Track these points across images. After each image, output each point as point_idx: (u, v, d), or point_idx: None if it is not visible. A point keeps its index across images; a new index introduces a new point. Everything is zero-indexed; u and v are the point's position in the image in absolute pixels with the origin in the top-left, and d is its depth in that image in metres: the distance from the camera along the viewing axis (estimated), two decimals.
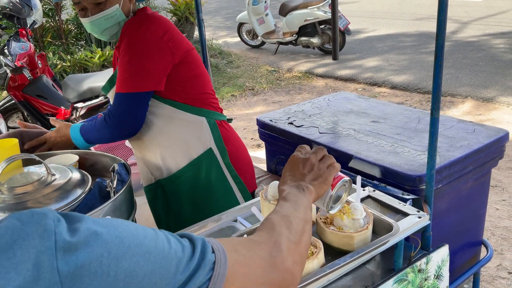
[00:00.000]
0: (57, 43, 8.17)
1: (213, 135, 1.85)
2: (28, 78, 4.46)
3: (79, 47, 8.17)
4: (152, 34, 1.66)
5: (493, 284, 2.79)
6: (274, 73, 7.78)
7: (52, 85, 4.80)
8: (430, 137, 1.57)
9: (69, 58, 7.41)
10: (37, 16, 4.81)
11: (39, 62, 4.73)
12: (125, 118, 1.70)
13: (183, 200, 1.92)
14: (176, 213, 1.95)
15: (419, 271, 1.60)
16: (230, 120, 1.97)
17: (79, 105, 4.29)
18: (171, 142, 1.84)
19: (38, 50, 6.91)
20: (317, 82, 7.19)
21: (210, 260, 0.68)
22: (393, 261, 1.55)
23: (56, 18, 8.11)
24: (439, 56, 1.49)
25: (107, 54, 7.52)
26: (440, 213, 1.89)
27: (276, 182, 1.37)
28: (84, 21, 1.73)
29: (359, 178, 1.45)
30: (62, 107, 4.55)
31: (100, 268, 0.56)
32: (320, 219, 1.37)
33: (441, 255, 1.66)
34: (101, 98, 4.22)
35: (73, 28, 8.61)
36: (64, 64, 7.31)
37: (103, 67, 7.50)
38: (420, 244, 1.66)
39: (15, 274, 0.52)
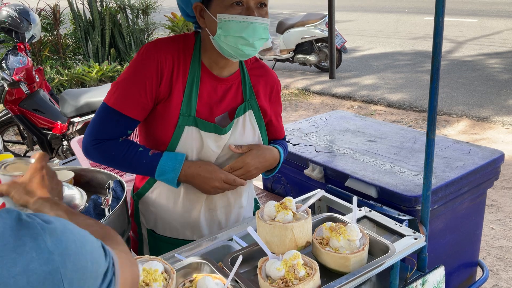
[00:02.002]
0: (54, 57, 8.20)
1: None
2: (25, 92, 4.46)
3: (77, 62, 8.21)
4: None
5: None
6: None
7: (49, 99, 4.80)
8: (426, 158, 1.57)
9: (67, 72, 7.43)
10: (35, 30, 4.83)
11: (36, 76, 4.74)
12: None
13: None
14: None
15: None
16: None
17: (76, 119, 4.29)
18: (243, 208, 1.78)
19: (35, 64, 6.92)
20: (313, 99, 7.23)
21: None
22: (389, 282, 1.55)
23: (54, 32, 8.15)
24: (435, 79, 1.50)
25: (104, 69, 7.54)
26: (435, 233, 1.89)
27: (273, 202, 1.37)
28: (241, 18, 1.40)
29: (355, 199, 1.45)
30: (58, 121, 4.55)
31: None
32: (316, 239, 1.36)
33: (437, 276, 1.65)
34: None
35: (71, 43, 8.65)
36: (61, 78, 7.32)
37: (100, 81, 7.52)
38: (416, 265, 1.65)
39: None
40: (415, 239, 1.47)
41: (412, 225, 1.61)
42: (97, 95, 4.30)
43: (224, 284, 1.17)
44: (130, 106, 1.48)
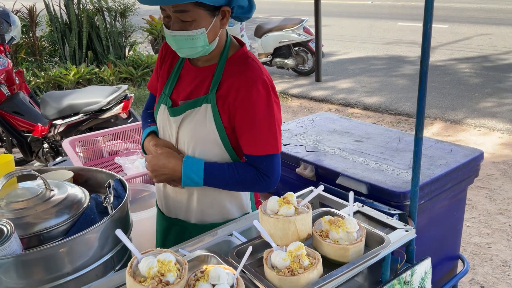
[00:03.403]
0: (30, 59, 8.08)
1: (251, 201, 1.85)
2: (6, 94, 4.42)
3: (53, 64, 8.11)
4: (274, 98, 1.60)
5: None
6: None
7: (29, 101, 4.76)
8: (414, 155, 1.68)
9: (43, 74, 7.34)
10: (15, 32, 4.78)
11: (16, 78, 4.70)
12: (277, 177, 1.65)
13: None
14: None
15: (405, 282, 1.69)
16: None
17: (58, 122, 4.27)
18: (218, 195, 1.75)
19: (14, 67, 6.82)
20: (292, 102, 7.34)
21: None
22: (381, 273, 1.64)
23: (30, 34, 8.04)
24: (423, 82, 1.61)
25: (82, 72, 7.49)
26: (421, 228, 1.99)
27: (275, 197, 1.45)
28: (165, 31, 1.58)
29: (351, 194, 1.54)
30: (39, 123, 4.51)
31: None
32: (316, 232, 1.44)
33: (424, 268, 1.76)
34: (81, 115, 4.21)
35: (47, 45, 8.54)
36: (38, 80, 7.24)
37: (78, 84, 7.46)
38: (405, 257, 1.75)
39: None
40: (406, 231, 1.57)
41: (402, 219, 1.71)
42: (80, 97, 4.29)
43: (234, 274, 1.24)
44: (150, 84, 1.91)
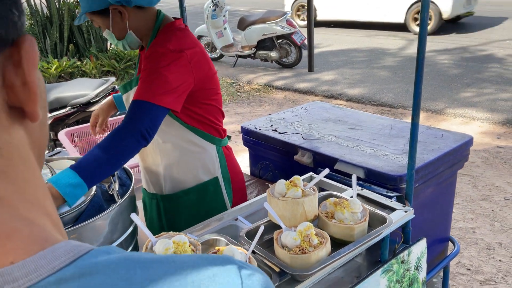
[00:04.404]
0: None
1: (220, 165, 1.92)
2: None
3: None
4: (177, 51, 1.65)
5: (454, 280, 3.03)
6: (234, 85, 7.93)
7: None
8: (410, 140, 1.75)
9: None
10: None
11: None
12: (143, 127, 1.58)
13: (176, 219, 1.95)
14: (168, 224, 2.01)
15: (402, 262, 1.77)
16: (229, 137, 2.00)
17: None
18: (181, 163, 1.85)
19: None
20: (276, 95, 7.40)
21: None
22: (380, 253, 1.71)
23: None
24: (420, 68, 1.68)
25: (64, 65, 7.40)
26: (415, 210, 2.07)
27: (283, 180, 1.50)
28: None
29: (354, 177, 1.60)
30: None
31: None
32: (322, 213, 1.50)
33: (420, 248, 1.84)
34: (68, 108, 4.19)
35: None
36: None
37: (60, 78, 7.38)
38: (403, 238, 1.83)
39: None
40: (405, 211, 1.64)
41: (400, 201, 1.78)
42: (67, 90, 4.26)
43: (246, 254, 1.29)
44: None
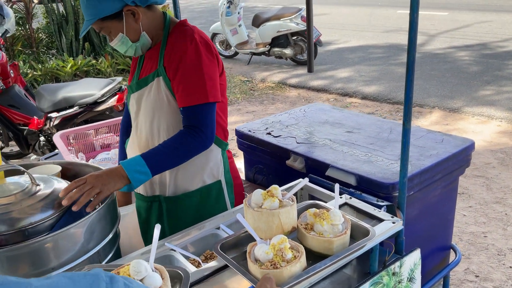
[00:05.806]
0: (27, 51, 8.06)
1: (224, 168, 1.90)
2: (0, 87, 4.41)
3: (50, 56, 8.08)
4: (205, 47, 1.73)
5: (461, 287, 2.92)
6: (247, 83, 7.87)
7: (25, 94, 4.75)
8: (402, 146, 1.67)
9: (40, 67, 7.32)
10: (9, 25, 4.76)
11: (11, 71, 4.68)
12: (212, 130, 1.71)
13: (179, 222, 1.90)
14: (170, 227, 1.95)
15: (393, 274, 1.69)
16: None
17: (53, 115, 4.26)
18: (188, 164, 1.80)
19: (10, 59, 6.81)
20: (290, 93, 7.32)
21: None
22: (369, 265, 1.64)
23: (27, 26, 8.01)
24: (410, 71, 1.59)
25: (79, 64, 7.46)
26: (411, 218, 1.98)
27: (260, 190, 1.44)
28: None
29: (337, 186, 1.53)
30: (34, 116, 4.51)
31: None
32: (301, 225, 1.44)
33: (413, 259, 1.75)
34: (76, 108, 4.20)
35: (44, 37, 8.51)
36: (35, 73, 7.22)
37: (75, 76, 7.44)
38: (394, 248, 1.75)
39: None
40: (393, 223, 1.57)
41: (390, 210, 1.70)
42: (75, 90, 4.28)
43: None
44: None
